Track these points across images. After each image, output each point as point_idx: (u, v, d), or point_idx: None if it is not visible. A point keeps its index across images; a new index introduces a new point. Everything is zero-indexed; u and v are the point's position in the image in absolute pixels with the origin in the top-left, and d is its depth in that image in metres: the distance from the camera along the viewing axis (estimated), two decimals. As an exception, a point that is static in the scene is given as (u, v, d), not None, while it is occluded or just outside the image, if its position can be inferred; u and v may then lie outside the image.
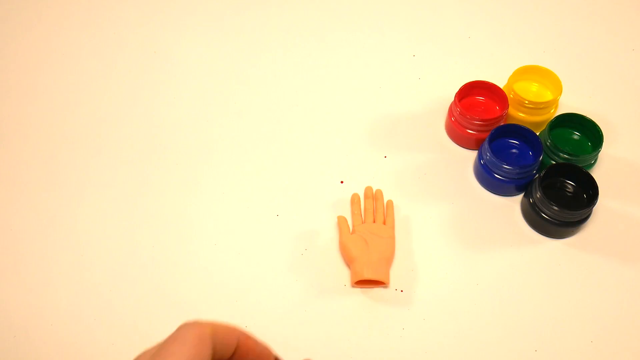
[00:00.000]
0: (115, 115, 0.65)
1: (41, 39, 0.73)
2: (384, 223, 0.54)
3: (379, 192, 0.56)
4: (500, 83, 0.61)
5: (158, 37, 0.73)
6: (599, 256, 0.52)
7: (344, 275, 0.52)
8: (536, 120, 0.59)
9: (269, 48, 0.71)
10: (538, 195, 0.52)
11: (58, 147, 0.62)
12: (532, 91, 0.63)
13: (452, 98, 0.61)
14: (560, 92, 0.59)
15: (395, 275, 0.51)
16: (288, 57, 0.70)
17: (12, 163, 0.61)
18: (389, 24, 0.73)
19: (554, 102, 0.59)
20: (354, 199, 0.56)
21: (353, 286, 0.51)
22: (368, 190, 0.57)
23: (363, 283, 0.50)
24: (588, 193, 0.53)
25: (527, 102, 0.58)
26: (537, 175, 0.54)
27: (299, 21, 0.74)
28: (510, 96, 0.59)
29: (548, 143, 0.55)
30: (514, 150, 0.57)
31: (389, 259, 0.51)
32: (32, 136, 0.63)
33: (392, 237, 0.53)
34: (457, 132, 0.60)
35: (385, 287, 0.51)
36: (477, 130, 0.58)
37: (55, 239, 0.55)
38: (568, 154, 0.54)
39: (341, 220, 0.54)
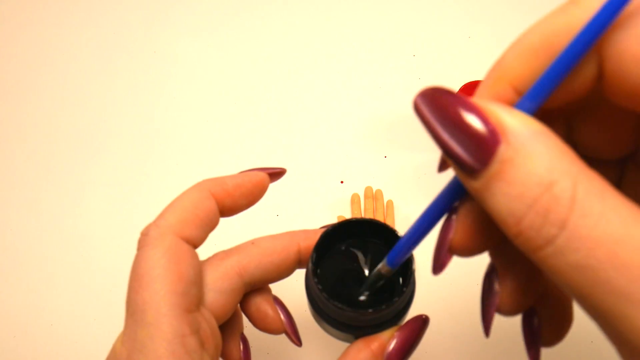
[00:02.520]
0: (115, 115, 0.65)
1: (40, 38, 0.73)
2: (384, 223, 0.54)
3: (379, 192, 0.56)
4: (500, 83, 0.61)
5: (158, 37, 0.73)
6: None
7: (344, 275, 0.52)
8: (536, 120, 0.59)
9: (269, 48, 0.71)
10: None
11: (57, 147, 0.62)
12: (532, 91, 0.63)
13: (452, 98, 0.61)
14: (560, 92, 0.59)
15: (395, 275, 0.51)
16: (287, 57, 0.70)
17: (11, 163, 0.61)
18: (389, 24, 0.73)
19: (554, 102, 0.59)
20: (354, 199, 0.56)
21: (353, 286, 0.51)
22: (368, 190, 0.57)
23: (363, 283, 0.50)
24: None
25: (527, 102, 0.58)
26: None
27: (299, 21, 0.74)
28: (510, 96, 0.59)
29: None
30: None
31: (389, 259, 0.51)
32: (32, 136, 0.63)
33: (392, 237, 0.53)
34: (457, 132, 0.59)
35: (385, 287, 0.51)
36: (477, 130, 0.58)
37: (55, 239, 0.55)
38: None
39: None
